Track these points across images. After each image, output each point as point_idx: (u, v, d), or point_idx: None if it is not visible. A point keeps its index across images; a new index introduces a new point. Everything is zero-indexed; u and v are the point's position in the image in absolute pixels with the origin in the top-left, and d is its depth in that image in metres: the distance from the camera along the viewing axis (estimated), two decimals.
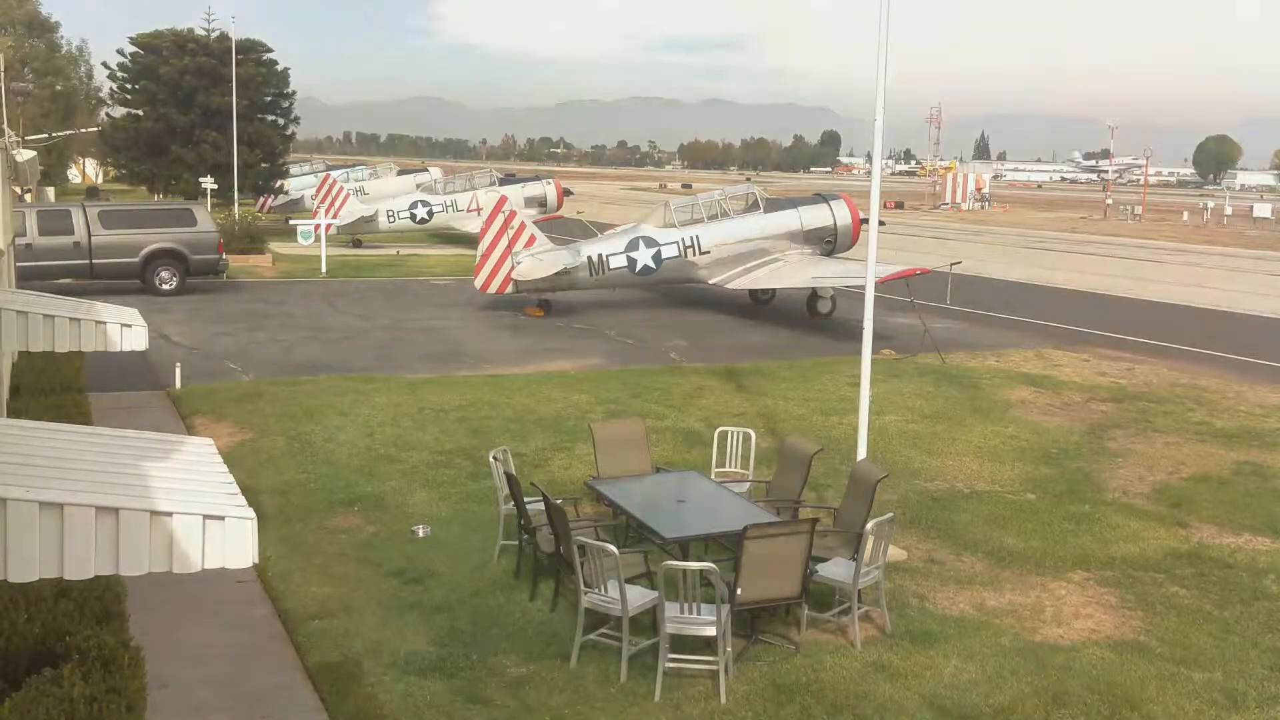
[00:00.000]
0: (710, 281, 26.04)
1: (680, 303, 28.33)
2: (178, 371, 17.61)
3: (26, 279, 21.17)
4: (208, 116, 46.49)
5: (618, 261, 25.47)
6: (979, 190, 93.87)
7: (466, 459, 13.65)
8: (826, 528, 9.82)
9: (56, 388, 13.26)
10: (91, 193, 56.18)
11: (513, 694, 7.92)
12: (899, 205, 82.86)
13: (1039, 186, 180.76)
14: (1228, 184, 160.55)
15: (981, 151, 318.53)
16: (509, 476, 9.89)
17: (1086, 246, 53.22)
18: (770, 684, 8.10)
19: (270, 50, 49.70)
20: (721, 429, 11.73)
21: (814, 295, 26.33)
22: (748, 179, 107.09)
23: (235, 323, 24.17)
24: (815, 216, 27.12)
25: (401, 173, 58.28)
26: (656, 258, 25.62)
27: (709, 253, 25.92)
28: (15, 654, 6.39)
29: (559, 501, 10.44)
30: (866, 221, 12.24)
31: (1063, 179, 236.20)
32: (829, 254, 26.95)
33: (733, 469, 11.35)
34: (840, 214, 27.26)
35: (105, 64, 51.98)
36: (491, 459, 10.40)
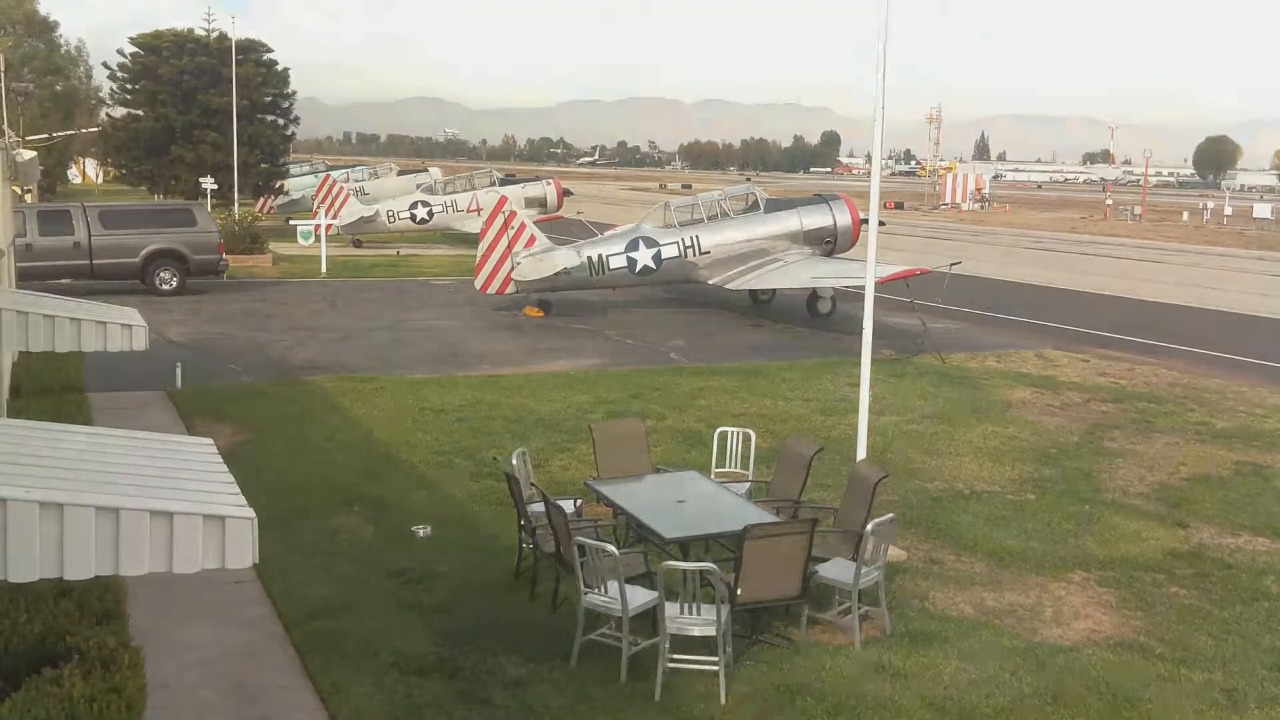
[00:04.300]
0: (710, 282, 26.05)
1: (680, 303, 28.33)
2: (178, 371, 17.60)
3: (26, 279, 21.17)
4: (208, 116, 46.50)
5: (618, 262, 25.47)
6: (979, 190, 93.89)
7: (466, 459, 13.65)
8: (826, 528, 9.82)
9: (56, 388, 13.28)
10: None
11: (513, 694, 7.92)
12: (899, 205, 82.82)
13: (1039, 187, 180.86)
14: (1228, 184, 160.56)
15: (981, 152, 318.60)
16: (508, 477, 9.87)
17: (1087, 247, 53.23)
18: (770, 684, 8.10)
19: (270, 50, 49.73)
20: (721, 429, 11.71)
21: (814, 295, 26.34)
22: (748, 179, 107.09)
23: (235, 323, 24.18)
24: (815, 217, 27.12)
25: (402, 173, 58.33)
26: (656, 258, 25.63)
27: (709, 253, 25.93)
28: (15, 654, 6.38)
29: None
30: (866, 222, 12.23)
31: (1065, 179, 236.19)
32: (829, 254, 26.97)
33: (733, 469, 11.33)
34: (840, 214, 27.26)
35: (105, 64, 52.03)
36: (514, 459, 10.25)
